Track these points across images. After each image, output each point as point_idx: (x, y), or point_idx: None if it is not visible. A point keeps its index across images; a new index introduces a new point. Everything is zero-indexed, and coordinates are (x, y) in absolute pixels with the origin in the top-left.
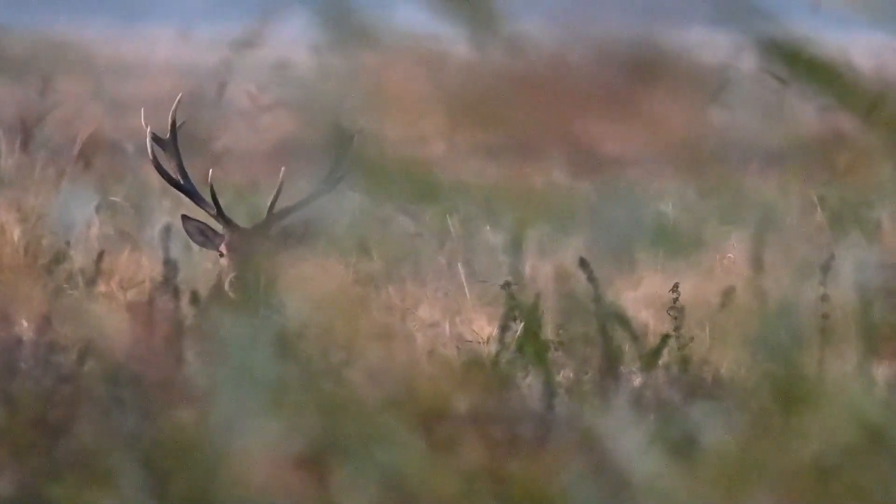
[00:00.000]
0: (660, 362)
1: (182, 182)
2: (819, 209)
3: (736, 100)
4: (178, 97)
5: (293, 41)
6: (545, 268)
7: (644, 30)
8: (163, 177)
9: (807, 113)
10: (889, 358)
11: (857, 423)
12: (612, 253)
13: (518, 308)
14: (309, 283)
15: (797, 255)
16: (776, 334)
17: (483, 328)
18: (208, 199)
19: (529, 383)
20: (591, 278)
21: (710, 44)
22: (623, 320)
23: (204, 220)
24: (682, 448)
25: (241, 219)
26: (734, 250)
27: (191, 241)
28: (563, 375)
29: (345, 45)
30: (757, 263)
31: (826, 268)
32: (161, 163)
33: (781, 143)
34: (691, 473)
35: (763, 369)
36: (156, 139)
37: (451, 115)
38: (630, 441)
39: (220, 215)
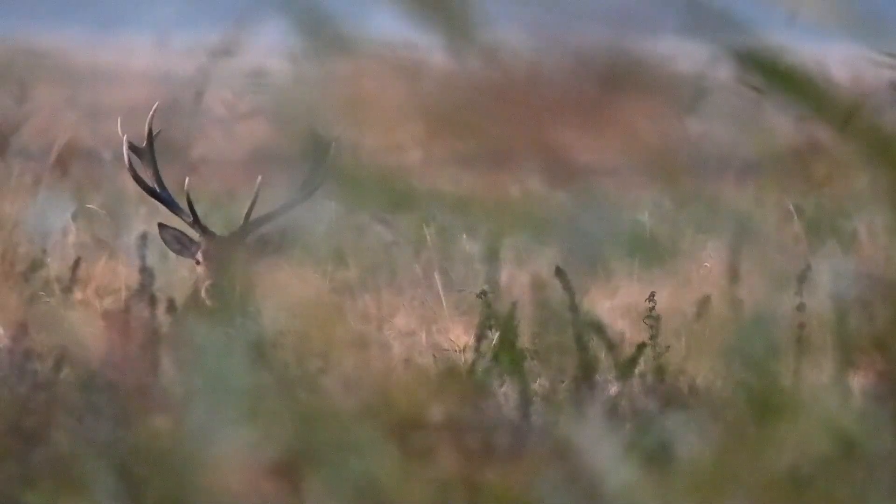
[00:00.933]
0: (636, 371)
1: (158, 190)
2: (796, 219)
3: (712, 110)
4: (155, 105)
5: (269, 49)
6: (521, 277)
7: (620, 40)
8: (139, 185)
9: (783, 123)
10: (865, 368)
11: (832, 434)
12: (588, 262)
13: (494, 317)
14: (285, 291)
15: (773, 265)
16: (752, 344)
17: (459, 337)
18: (185, 207)
19: (505, 392)
20: (567, 287)
21: (685, 54)
22: (599, 329)
23: (180, 229)
24: (658, 457)
25: (217, 227)
26: (710, 260)
27: (167, 248)
28: (539, 384)
29: (321, 53)
30: (733, 273)
31: (802, 278)
32: (138, 171)
33: (757, 152)
34: (666, 483)
35: (739, 379)
36: (132, 148)
37: (428, 124)
38: (606, 450)
39: (197, 223)
